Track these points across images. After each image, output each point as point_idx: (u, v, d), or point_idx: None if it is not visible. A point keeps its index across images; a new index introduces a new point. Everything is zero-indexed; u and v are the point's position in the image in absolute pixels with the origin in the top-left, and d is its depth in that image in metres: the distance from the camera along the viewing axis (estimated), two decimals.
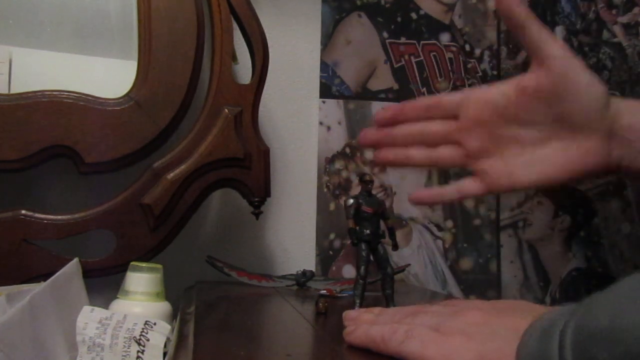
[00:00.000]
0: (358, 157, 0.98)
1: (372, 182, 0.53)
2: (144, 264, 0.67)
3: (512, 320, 0.36)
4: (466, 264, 1.00)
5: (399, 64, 1.00)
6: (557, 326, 0.31)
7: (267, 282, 0.80)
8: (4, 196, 0.78)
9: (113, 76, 0.81)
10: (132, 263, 0.67)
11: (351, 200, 0.52)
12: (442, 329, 0.37)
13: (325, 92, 0.97)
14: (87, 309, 0.58)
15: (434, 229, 0.99)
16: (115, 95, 0.74)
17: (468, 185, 0.49)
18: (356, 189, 0.97)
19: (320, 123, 0.97)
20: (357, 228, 0.51)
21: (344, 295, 0.72)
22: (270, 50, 0.80)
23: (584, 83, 0.44)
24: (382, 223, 0.54)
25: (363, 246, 0.51)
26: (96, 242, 0.75)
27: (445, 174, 1.00)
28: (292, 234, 0.95)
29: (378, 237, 0.52)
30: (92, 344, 0.55)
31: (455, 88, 1.02)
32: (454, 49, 1.02)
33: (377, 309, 0.46)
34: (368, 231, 0.51)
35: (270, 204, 0.92)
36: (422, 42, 1.01)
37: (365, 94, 0.98)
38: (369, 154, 0.98)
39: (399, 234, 0.96)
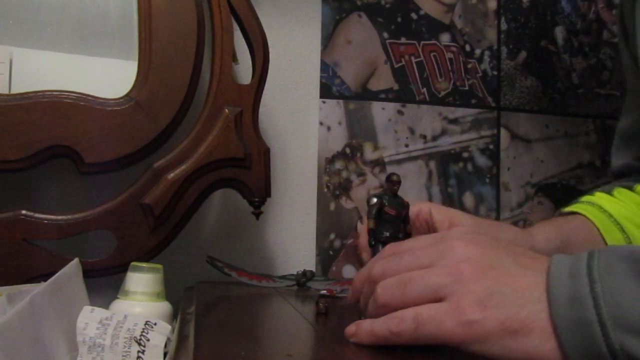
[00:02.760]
0: (358, 157, 0.98)
1: (399, 182, 0.50)
2: (144, 264, 0.67)
3: (513, 262, 0.37)
4: None
5: (399, 64, 1.00)
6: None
7: (267, 282, 0.80)
8: (4, 196, 0.78)
9: (113, 76, 0.81)
10: (132, 263, 0.67)
11: (374, 200, 0.50)
12: (447, 295, 0.37)
13: (325, 92, 0.97)
14: (87, 309, 0.57)
15: None
16: (116, 95, 0.74)
17: None
18: (356, 190, 0.97)
19: (320, 123, 0.97)
20: (377, 229, 0.50)
21: (344, 295, 0.72)
22: (270, 50, 0.80)
23: None
24: None
25: (380, 247, 0.50)
26: (96, 242, 0.75)
27: (445, 174, 1.00)
28: (292, 234, 0.95)
29: (397, 240, 0.50)
30: (92, 344, 0.55)
31: (455, 88, 1.02)
32: (454, 49, 1.02)
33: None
34: (388, 233, 0.50)
35: (270, 204, 0.92)
36: (422, 42, 1.01)
37: (366, 94, 0.98)
38: (369, 155, 0.98)
39: None
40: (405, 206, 0.51)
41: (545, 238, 0.57)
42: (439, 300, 0.37)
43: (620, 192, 0.66)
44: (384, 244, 0.50)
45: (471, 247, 0.39)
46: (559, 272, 0.35)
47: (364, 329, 0.40)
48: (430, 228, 0.55)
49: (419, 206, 0.55)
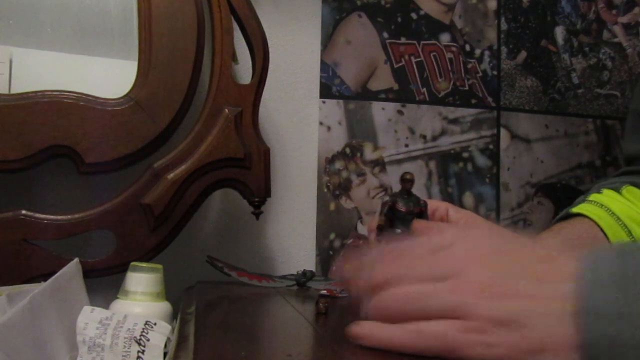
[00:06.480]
0: (358, 157, 0.98)
1: (411, 181, 0.51)
2: (144, 264, 0.67)
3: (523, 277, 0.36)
4: None
5: (399, 64, 1.00)
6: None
7: (267, 282, 0.80)
8: (4, 196, 0.78)
9: (113, 76, 0.81)
10: (132, 263, 0.67)
11: (386, 198, 0.52)
12: (459, 315, 0.36)
13: (325, 92, 0.97)
14: (87, 309, 0.58)
15: None
16: (116, 95, 0.74)
17: None
18: (356, 190, 0.97)
19: (320, 123, 0.97)
20: (382, 225, 0.51)
21: (344, 295, 0.72)
22: (270, 50, 0.80)
23: None
24: None
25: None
26: (96, 242, 0.75)
27: (445, 174, 1.00)
28: (292, 234, 0.95)
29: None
30: (92, 344, 0.55)
31: (455, 88, 1.02)
32: (454, 49, 1.02)
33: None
34: (399, 230, 0.51)
35: (270, 204, 0.92)
36: (422, 42, 1.01)
37: (366, 94, 0.99)
38: (369, 155, 0.98)
39: None
40: (420, 204, 0.52)
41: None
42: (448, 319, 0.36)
43: (630, 191, 0.65)
44: None
45: (483, 268, 0.37)
46: (587, 287, 0.34)
47: (365, 331, 0.39)
48: None
49: (436, 204, 0.55)
